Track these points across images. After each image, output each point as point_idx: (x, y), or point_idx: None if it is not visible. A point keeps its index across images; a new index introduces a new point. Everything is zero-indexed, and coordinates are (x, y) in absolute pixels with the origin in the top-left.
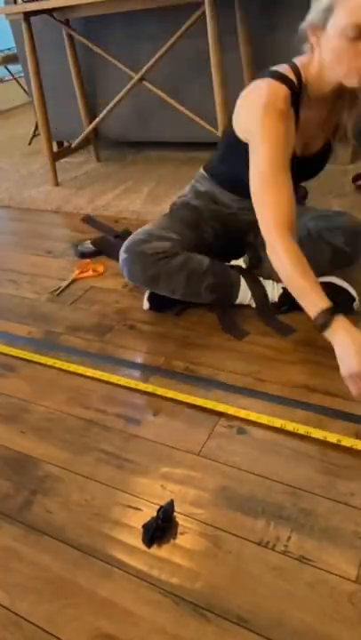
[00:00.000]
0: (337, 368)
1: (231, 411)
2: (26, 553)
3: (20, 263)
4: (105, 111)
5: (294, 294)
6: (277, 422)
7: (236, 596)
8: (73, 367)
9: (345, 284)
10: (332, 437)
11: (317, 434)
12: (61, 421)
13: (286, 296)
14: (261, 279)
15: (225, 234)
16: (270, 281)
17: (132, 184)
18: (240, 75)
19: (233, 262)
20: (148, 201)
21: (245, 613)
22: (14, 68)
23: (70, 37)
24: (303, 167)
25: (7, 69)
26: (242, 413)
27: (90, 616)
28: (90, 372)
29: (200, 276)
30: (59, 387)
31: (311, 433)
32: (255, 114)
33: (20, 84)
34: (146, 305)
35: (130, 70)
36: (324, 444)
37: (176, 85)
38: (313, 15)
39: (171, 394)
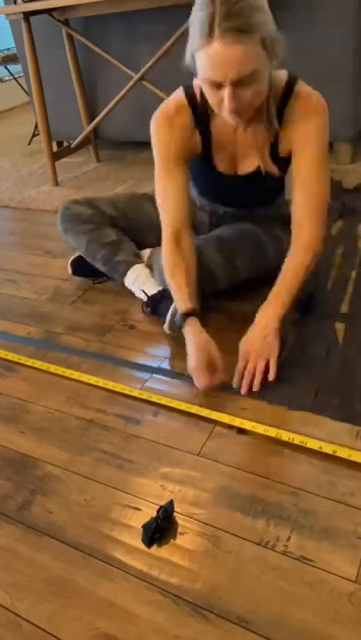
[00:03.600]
0: None
1: (226, 419)
2: (26, 553)
3: (20, 263)
4: (105, 111)
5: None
6: (272, 432)
7: (236, 596)
8: (68, 372)
9: (172, 308)
10: (328, 448)
11: (313, 444)
12: (61, 421)
13: (155, 298)
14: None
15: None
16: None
17: (132, 184)
18: None
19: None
20: None
21: (245, 613)
22: (14, 67)
23: (70, 37)
24: (236, 186)
25: (7, 69)
26: (236, 422)
27: (90, 616)
28: (85, 377)
29: (98, 247)
30: (58, 387)
31: (307, 443)
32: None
33: (20, 84)
34: (69, 269)
35: (130, 70)
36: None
37: (175, 85)
38: (187, 55)
39: (165, 400)
